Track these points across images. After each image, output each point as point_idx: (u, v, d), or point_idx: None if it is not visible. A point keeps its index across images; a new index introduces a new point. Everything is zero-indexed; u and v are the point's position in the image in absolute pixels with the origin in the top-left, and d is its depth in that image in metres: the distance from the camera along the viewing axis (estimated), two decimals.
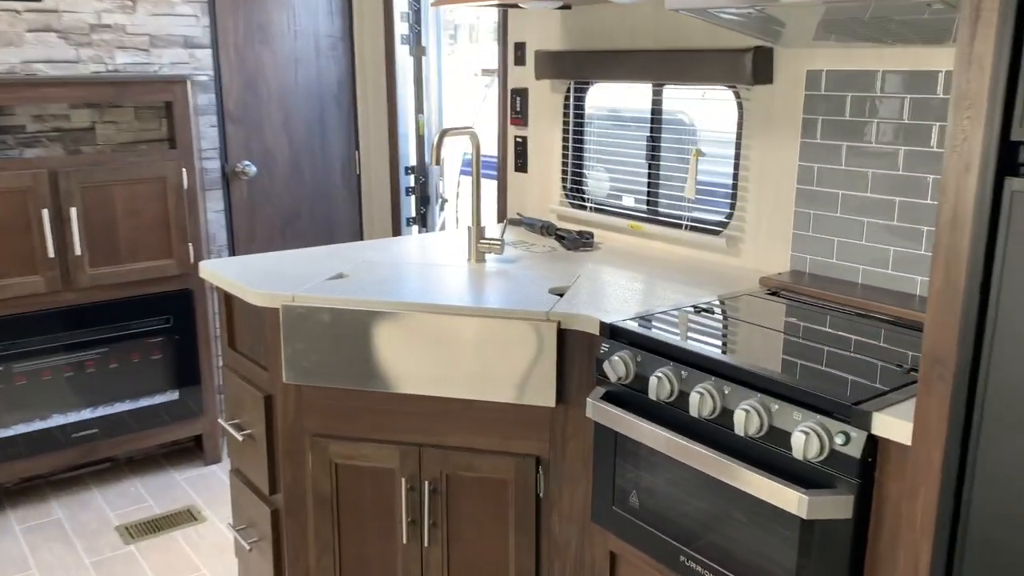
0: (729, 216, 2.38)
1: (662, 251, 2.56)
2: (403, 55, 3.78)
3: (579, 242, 2.56)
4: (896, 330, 1.77)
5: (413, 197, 3.98)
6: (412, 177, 3.94)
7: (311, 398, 2.07)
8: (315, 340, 1.99)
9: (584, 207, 2.83)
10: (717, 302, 1.97)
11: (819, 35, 1.93)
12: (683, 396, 1.63)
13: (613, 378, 1.73)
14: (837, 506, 1.38)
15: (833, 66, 2.06)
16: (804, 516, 1.38)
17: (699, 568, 1.65)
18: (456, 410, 2.00)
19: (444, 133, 2.19)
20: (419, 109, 3.88)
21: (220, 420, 2.34)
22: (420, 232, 4.02)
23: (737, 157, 2.34)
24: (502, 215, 3.19)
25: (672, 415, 1.66)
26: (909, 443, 1.30)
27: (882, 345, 1.67)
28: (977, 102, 1.13)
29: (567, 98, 2.82)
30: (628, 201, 2.73)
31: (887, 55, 1.95)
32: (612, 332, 1.79)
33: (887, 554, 1.39)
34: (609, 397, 1.78)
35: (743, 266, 2.35)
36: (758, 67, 2.17)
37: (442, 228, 4.08)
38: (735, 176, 2.35)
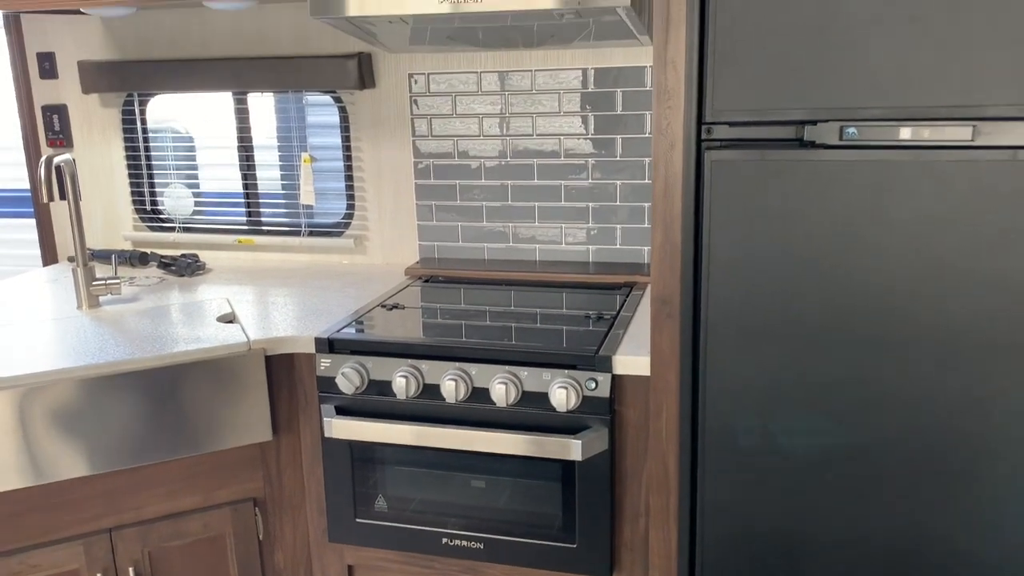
0: (349, 216, 2.44)
1: (283, 261, 2.50)
2: None
3: (192, 266, 2.35)
4: (555, 291, 2.08)
5: None
6: None
7: None
8: None
9: (171, 229, 2.59)
10: (389, 298, 2.05)
11: (415, 41, 2.09)
12: (429, 388, 1.70)
13: (349, 390, 1.71)
14: (600, 442, 1.62)
15: (435, 69, 2.26)
16: (580, 458, 1.59)
17: (466, 543, 1.76)
18: (148, 477, 1.73)
19: (51, 160, 1.81)
20: None
21: None
22: None
23: (348, 159, 2.40)
24: (50, 255, 2.71)
25: (423, 409, 1.71)
26: (648, 374, 1.60)
27: (563, 306, 1.96)
28: (675, 94, 1.44)
29: (130, 112, 2.52)
30: (224, 217, 2.58)
31: (483, 58, 2.22)
32: (332, 346, 1.75)
33: (634, 468, 1.68)
34: (343, 412, 1.75)
35: (374, 263, 2.44)
36: (363, 72, 2.27)
37: None
38: (349, 177, 2.42)
